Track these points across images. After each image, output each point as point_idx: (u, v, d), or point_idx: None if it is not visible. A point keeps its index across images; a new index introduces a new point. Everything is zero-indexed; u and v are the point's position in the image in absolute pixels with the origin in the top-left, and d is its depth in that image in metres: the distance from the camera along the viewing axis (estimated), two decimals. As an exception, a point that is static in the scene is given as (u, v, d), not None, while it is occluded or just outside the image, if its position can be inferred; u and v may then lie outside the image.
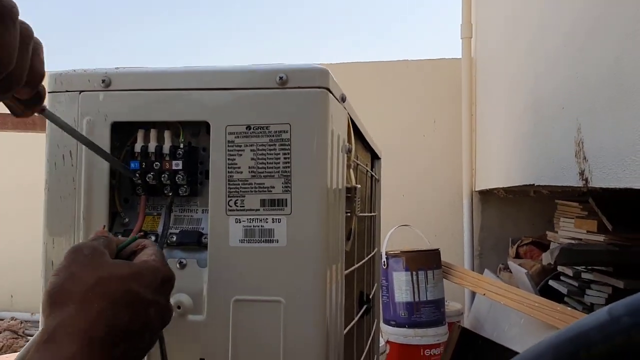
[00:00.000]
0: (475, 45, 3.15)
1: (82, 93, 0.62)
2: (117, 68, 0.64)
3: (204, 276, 0.60)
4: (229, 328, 0.59)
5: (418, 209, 3.23)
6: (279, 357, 0.58)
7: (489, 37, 2.73)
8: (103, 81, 0.62)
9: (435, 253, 2.31)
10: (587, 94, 1.10)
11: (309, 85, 0.59)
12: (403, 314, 2.22)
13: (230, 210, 0.60)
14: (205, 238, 0.61)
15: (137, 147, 0.63)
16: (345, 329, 0.73)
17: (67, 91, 0.63)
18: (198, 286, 0.60)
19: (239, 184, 0.60)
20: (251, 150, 0.59)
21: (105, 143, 0.62)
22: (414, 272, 2.23)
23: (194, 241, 0.61)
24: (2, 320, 3.94)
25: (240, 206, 0.60)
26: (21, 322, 3.72)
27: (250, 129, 0.60)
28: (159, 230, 0.63)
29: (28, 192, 4.18)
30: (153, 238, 0.62)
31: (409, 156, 3.27)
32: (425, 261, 2.26)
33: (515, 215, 3.13)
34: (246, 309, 0.58)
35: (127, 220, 0.64)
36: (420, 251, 2.33)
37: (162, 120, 0.62)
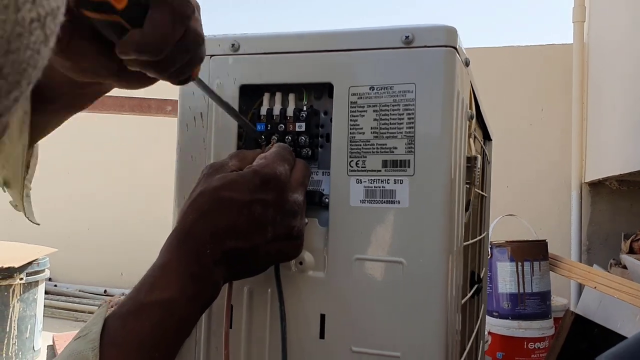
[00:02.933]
0: (589, 29, 2.98)
1: (212, 57, 0.65)
2: (244, 34, 0.67)
3: (325, 234, 0.61)
4: (349, 286, 0.59)
5: (522, 201, 3.12)
6: (398, 317, 0.58)
7: (607, 20, 2.57)
8: (232, 45, 0.64)
9: (542, 244, 2.22)
10: None
11: (435, 44, 0.58)
12: (506, 305, 2.16)
13: (351, 171, 0.60)
14: (326, 198, 0.62)
15: (263, 110, 0.65)
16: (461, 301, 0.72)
17: (198, 55, 0.65)
18: (319, 244, 0.61)
19: (360, 145, 0.60)
20: (374, 111, 0.60)
21: (234, 105, 0.64)
22: (519, 263, 2.15)
23: (316, 201, 0.62)
24: (113, 295, 4.22)
25: (362, 167, 0.60)
26: (131, 298, 3.96)
27: (373, 90, 0.60)
28: (282, 190, 0.64)
29: (137, 175, 4.43)
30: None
31: (515, 146, 3.16)
32: (531, 252, 2.18)
33: (628, 209, 2.96)
34: (367, 268, 0.59)
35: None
36: (526, 241, 2.25)
37: (287, 83, 0.64)
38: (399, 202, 0.59)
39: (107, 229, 4.53)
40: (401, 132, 0.59)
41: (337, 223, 0.60)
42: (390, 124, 0.59)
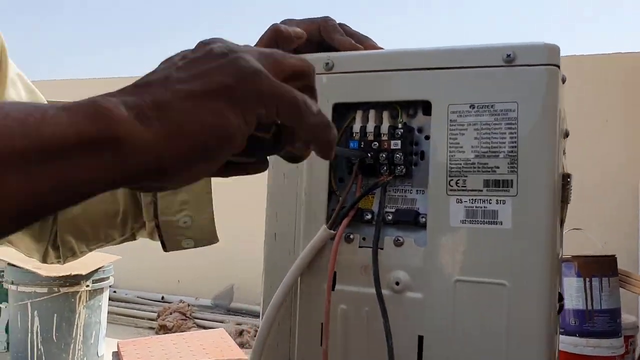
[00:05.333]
0: (657, 36, 2.88)
1: (306, 75, 0.65)
2: (337, 52, 0.67)
3: (423, 255, 0.60)
4: (448, 307, 0.58)
5: (586, 214, 3.03)
6: (500, 339, 0.57)
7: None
8: (326, 64, 0.65)
9: (612, 259, 2.15)
10: None
11: (538, 63, 0.57)
12: (573, 322, 2.09)
13: (451, 190, 0.59)
14: (422, 217, 0.62)
15: (356, 128, 0.64)
16: (552, 322, 0.70)
17: (292, 74, 0.66)
18: (416, 264, 0.60)
19: (460, 164, 0.59)
20: (474, 129, 0.59)
21: (327, 123, 0.64)
22: (587, 279, 2.08)
23: (411, 220, 0.62)
24: (171, 303, 4.30)
25: (462, 186, 0.59)
26: (188, 305, 4.03)
27: (474, 108, 0.59)
28: (375, 208, 0.64)
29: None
30: (369, 216, 0.63)
31: (579, 157, 3.07)
32: (599, 267, 2.10)
33: (701, 223, 2.83)
34: (467, 290, 0.58)
35: (341, 199, 0.67)
36: (594, 257, 2.18)
37: (382, 101, 0.63)
38: (501, 223, 0.57)
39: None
40: (503, 152, 0.58)
41: (436, 243, 0.59)
42: (492, 142, 0.58)
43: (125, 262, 4.39)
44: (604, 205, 3.06)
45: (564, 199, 0.72)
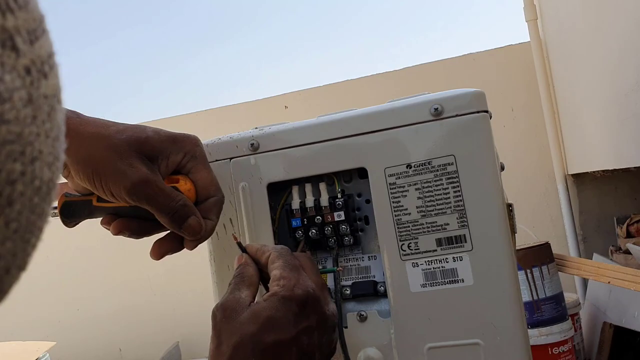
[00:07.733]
0: (543, 26, 3.03)
1: (232, 160, 0.62)
2: (256, 128, 0.64)
3: (389, 327, 0.57)
4: (426, 378, 0.56)
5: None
6: (486, 401, 0.55)
7: (562, 16, 2.62)
8: (252, 145, 0.61)
9: (546, 247, 2.21)
10: None
11: (467, 112, 0.56)
12: (523, 315, 2.13)
13: (404, 255, 0.57)
14: (380, 286, 0.59)
15: (295, 204, 0.61)
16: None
17: (216, 160, 0.62)
18: (384, 338, 0.58)
19: (409, 226, 0.57)
20: (416, 189, 0.57)
21: (264, 205, 0.61)
22: (528, 270, 2.14)
23: (370, 291, 0.59)
24: (117, 374, 4.06)
25: (415, 249, 0.57)
26: (137, 374, 3.82)
27: (411, 168, 0.57)
28: (330, 284, 0.61)
29: (123, 252, 4.31)
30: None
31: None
32: (537, 257, 2.16)
33: (614, 194, 2.98)
34: (442, 356, 0.56)
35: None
36: (530, 247, 2.24)
37: (317, 174, 0.61)
38: (462, 281, 0.56)
39: (97, 305, 4.38)
40: (450, 207, 0.56)
41: (401, 312, 0.57)
42: (437, 200, 0.56)
43: (60, 342, 4.13)
44: (525, 194, 3.17)
45: (512, 229, 0.72)
